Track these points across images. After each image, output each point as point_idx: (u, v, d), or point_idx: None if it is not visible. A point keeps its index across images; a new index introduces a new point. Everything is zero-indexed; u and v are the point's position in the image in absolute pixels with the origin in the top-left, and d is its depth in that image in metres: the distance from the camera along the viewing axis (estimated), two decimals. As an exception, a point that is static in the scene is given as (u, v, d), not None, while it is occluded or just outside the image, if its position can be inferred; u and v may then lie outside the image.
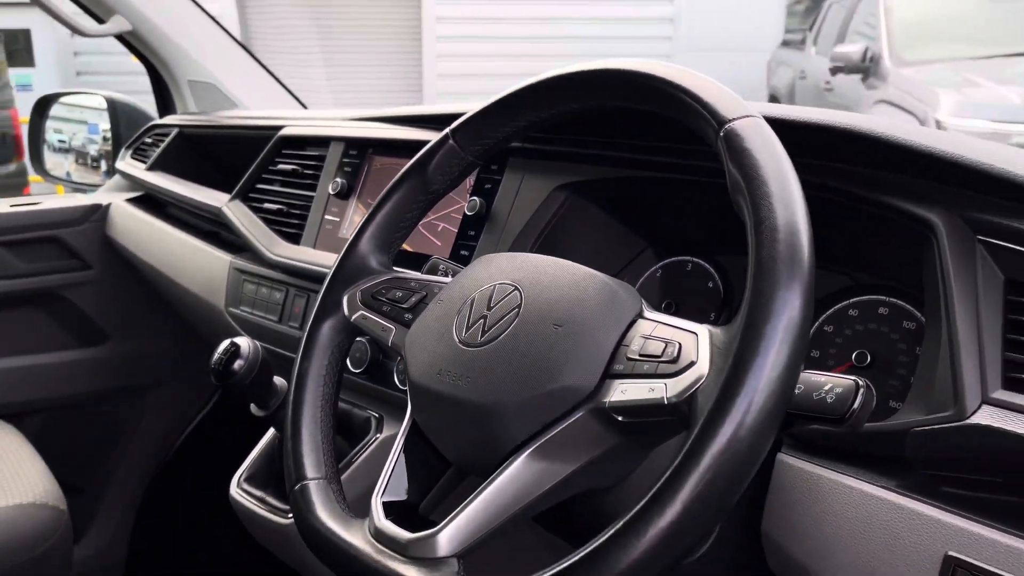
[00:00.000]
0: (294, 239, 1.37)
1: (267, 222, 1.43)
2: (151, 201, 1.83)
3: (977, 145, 0.74)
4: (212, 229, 1.62)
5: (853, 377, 0.59)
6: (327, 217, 1.33)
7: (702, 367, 0.60)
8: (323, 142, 1.39)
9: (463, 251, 1.12)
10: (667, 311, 1.05)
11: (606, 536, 0.56)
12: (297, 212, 1.40)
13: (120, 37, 1.89)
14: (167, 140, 1.82)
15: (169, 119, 1.91)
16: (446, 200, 1.15)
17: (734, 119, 0.64)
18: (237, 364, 0.95)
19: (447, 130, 0.84)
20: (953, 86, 4.65)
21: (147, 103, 2.08)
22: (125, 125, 2.01)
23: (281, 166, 1.46)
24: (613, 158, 1.04)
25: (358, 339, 1.12)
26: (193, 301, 1.59)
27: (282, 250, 1.35)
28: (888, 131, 0.76)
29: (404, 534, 0.67)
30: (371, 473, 1.06)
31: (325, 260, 1.26)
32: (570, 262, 0.73)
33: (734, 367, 0.55)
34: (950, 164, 0.72)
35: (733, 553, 0.82)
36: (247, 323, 1.39)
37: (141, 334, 1.92)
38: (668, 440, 0.72)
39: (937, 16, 5.42)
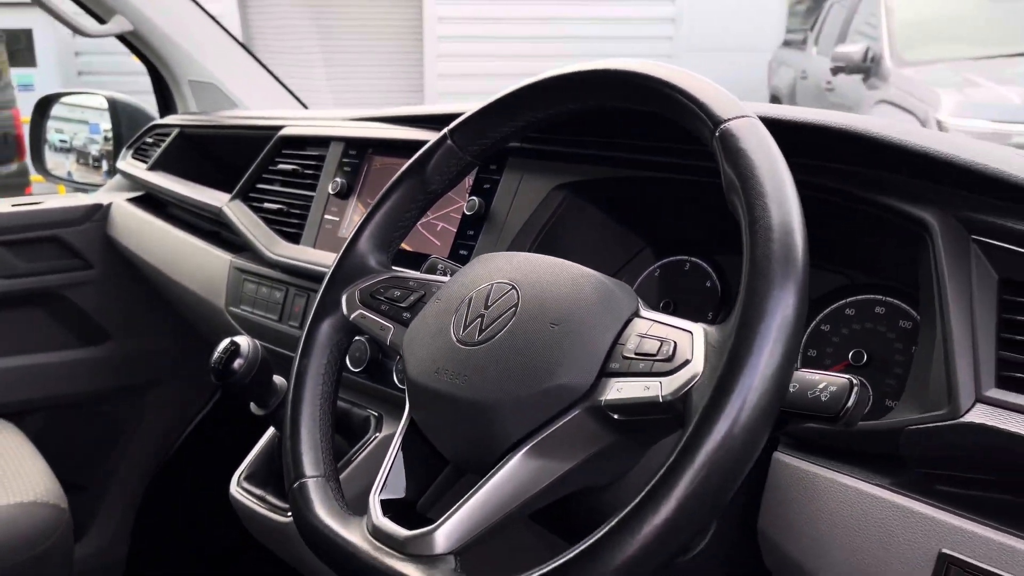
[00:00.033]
0: (294, 239, 1.38)
1: (267, 222, 1.44)
2: (152, 201, 1.83)
3: (971, 145, 0.74)
4: (212, 229, 1.63)
5: (847, 376, 0.60)
6: (327, 217, 1.33)
7: (697, 365, 0.60)
8: (323, 142, 1.40)
9: (462, 250, 1.13)
10: (665, 310, 1.06)
11: (601, 533, 0.57)
12: (297, 212, 1.40)
13: (121, 37, 1.89)
14: (168, 140, 1.83)
15: (170, 119, 1.91)
16: (445, 200, 1.16)
17: (729, 119, 0.64)
18: (237, 363, 0.96)
19: (445, 130, 0.85)
20: (954, 86, 4.65)
21: (148, 103, 2.08)
22: (126, 125, 2.01)
23: (281, 166, 1.46)
24: (612, 158, 1.04)
25: (358, 338, 1.13)
26: (193, 300, 1.60)
27: (282, 250, 1.36)
28: (883, 131, 0.76)
29: (401, 531, 0.67)
30: (370, 472, 1.07)
31: (325, 259, 1.27)
32: (567, 261, 0.74)
33: (728, 365, 0.56)
34: (944, 164, 0.73)
35: (729, 551, 0.82)
36: (247, 322, 1.40)
37: (142, 333, 1.93)
38: (665, 438, 0.72)
39: (938, 16, 5.43)
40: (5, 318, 1.81)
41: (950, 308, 0.69)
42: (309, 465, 0.79)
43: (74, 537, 1.42)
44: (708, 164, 0.92)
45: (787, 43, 7.59)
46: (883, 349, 0.89)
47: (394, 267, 0.88)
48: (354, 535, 0.70)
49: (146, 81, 2.03)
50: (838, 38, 6.10)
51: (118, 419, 1.95)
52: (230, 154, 1.76)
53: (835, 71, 5.60)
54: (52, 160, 2.14)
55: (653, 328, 0.66)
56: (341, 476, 1.05)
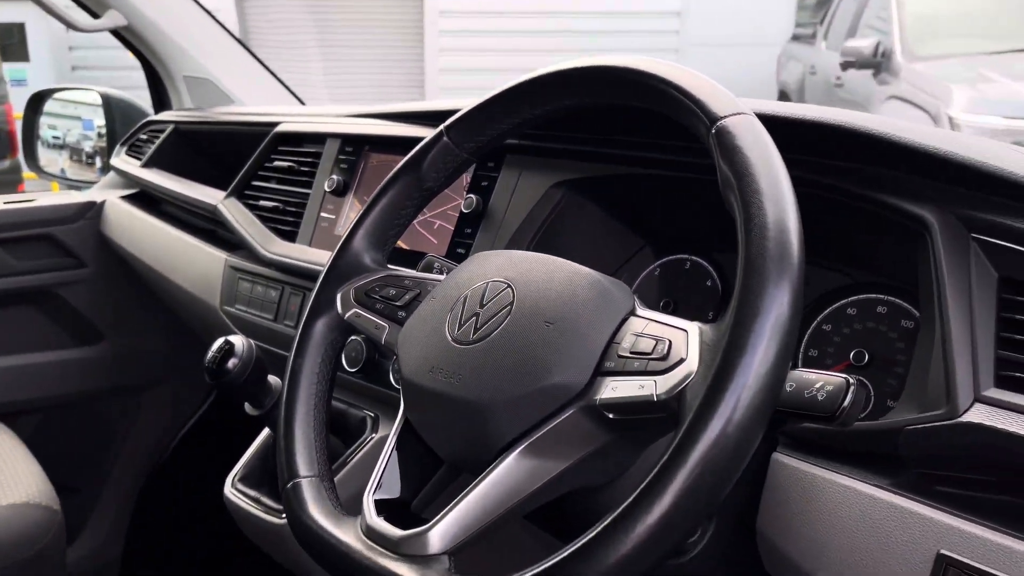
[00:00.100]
0: (290, 237, 1.39)
1: (263, 219, 1.45)
2: (146, 198, 1.84)
3: (971, 142, 0.75)
4: (207, 227, 1.64)
5: (844, 375, 0.61)
6: (323, 214, 1.35)
7: (691, 364, 0.61)
8: (319, 139, 1.41)
9: (459, 249, 1.14)
10: (665, 310, 1.07)
11: (594, 532, 0.58)
12: (293, 209, 1.41)
13: (115, 32, 1.91)
14: (162, 136, 1.84)
15: (164, 115, 1.93)
16: (442, 197, 1.17)
17: (726, 116, 0.65)
18: (231, 363, 0.97)
19: (441, 127, 0.86)
20: (966, 81, 4.65)
21: (142, 99, 2.10)
22: (120, 121, 2.02)
23: (277, 163, 1.48)
24: (611, 155, 1.05)
25: (354, 338, 1.14)
26: (188, 299, 1.61)
27: (278, 248, 1.37)
28: (881, 128, 0.77)
29: (395, 531, 0.68)
30: (366, 473, 1.08)
31: (321, 258, 1.28)
32: (563, 260, 0.75)
33: (722, 364, 0.57)
34: (943, 161, 0.74)
35: (727, 551, 0.83)
36: (242, 322, 1.41)
37: (136, 333, 1.94)
38: (661, 438, 0.73)
39: (950, 10, 5.43)
40: (-3, 317, 1.82)
41: (949, 307, 0.70)
42: (303, 465, 0.80)
43: (67, 539, 1.43)
44: (708, 161, 0.93)
45: (796, 37, 7.59)
46: (885, 349, 0.90)
47: (390, 265, 0.89)
48: (348, 535, 0.71)
49: (141, 76, 2.04)
50: (848, 32, 6.10)
51: (111, 420, 1.96)
52: (225, 151, 1.77)
53: (845, 66, 5.60)
54: (45, 157, 2.16)
55: (648, 327, 0.67)
56: (336, 477, 1.06)
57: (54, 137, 2.17)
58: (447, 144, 0.85)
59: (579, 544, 0.58)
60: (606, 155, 1.06)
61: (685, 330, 0.64)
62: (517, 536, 0.90)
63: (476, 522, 0.66)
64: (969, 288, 0.71)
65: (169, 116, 1.90)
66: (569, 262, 0.74)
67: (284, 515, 0.82)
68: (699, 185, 0.97)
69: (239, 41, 2.03)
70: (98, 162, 2.11)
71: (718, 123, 0.65)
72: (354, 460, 1.10)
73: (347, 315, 0.85)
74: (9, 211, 1.79)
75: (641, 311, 0.69)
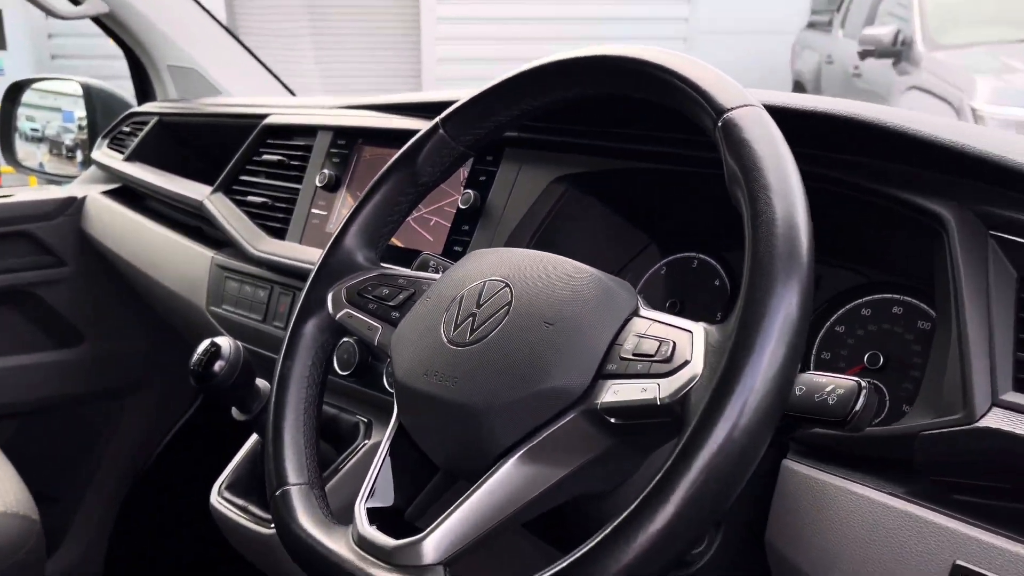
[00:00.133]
0: (279, 234, 1.39)
1: (251, 216, 1.46)
2: (129, 194, 1.85)
3: (990, 135, 0.76)
4: (193, 223, 1.65)
5: (855, 378, 0.61)
6: (314, 211, 1.35)
7: (696, 366, 0.62)
8: (310, 131, 1.42)
9: (456, 247, 1.14)
10: (671, 310, 1.08)
11: (594, 542, 0.58)
12: (282, 205, 1.42)
13: (96, 19, 1.91)
14: (146, 129, 1.84)
15: (148, 107, 1.93)
16: (439, 193, 1.17)
17: (733, 108, 0.66)
18: (218, 365, 0.98)
19: (437, 119, 0.86)
20: (991, 71, 4.66)
21: (125, 89, 2.10)
22: (102, 113, 2.03)
23: (266, 157, 1.48)
24: (615, 148, 1.06)
25: (346, 339, 1.14)
26: (173, 300, 1.62)
27: (266, 245, 1.38)
28: (895, 120, 0.78)
29: (389, 541, 0.69)
30: (358, 481, 1.07)
31: (312, 256, 1.29)
32: (564, 258, 0.75)
33: (728, 366, 0.57)
34: (960, 155, 0.74)
35: (736, 562, 0.84)
36: (230, 323, 1.42)
37: (118, 335, 1.94)
38: (666, 444, 0.74)
39: (974, -4, 5.43)
40: (-27, 318, 1.83)
41: (966, 307, 0.71)
42: (292, 472, 0.80)
43: (46, 550, 1.43)
44: (716, 155, 0.93)
45: (811, 25, 7.59)
46: (900, 351, 0.90)
47: (383, 264, 0.89)
48: (339, 545, 0.72)
49: (123, 65, 2.04)
50: (866, 20, 6.10)
51: (93, 425, 1.96)
52: (212, 144, 1.78)
53: (863, 55, 5.60)
54: (23, 150, 2.16)
55: (652, 328, 0.67)
56: (328, 485, 1.07)
57: (32, 129, 2.17)
58: (443, 137, 0.86)
59: (578, 554, 0.59)
60: (610, 148, 1.06)
61: (690, 331, 0.65)
62: (515, 546, 0.91)
63: (472, 531, 0.66)
64: (987, 288, 0.71)
65: (153, 108, 1.90)
66: (570, 260, 0.75)
67: (272, 524, 0.82)
68: (707, 180, 0.98)
69: (227, 29, 2.03)
70: (79, 156, 2.11)
71: (725, 115, 0.66)
72: (346, 467, 1.11)
73: (338, 316, 0.86)
74: (-15, 207, 1.80)
75: (645, 311, 0.70)
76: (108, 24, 1.92)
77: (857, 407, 0.60)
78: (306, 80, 7.82)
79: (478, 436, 0.69)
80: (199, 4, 1.99)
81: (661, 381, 0.63)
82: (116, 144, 1.92)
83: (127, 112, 1.95)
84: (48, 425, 1.92)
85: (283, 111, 1.51)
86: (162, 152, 1.83)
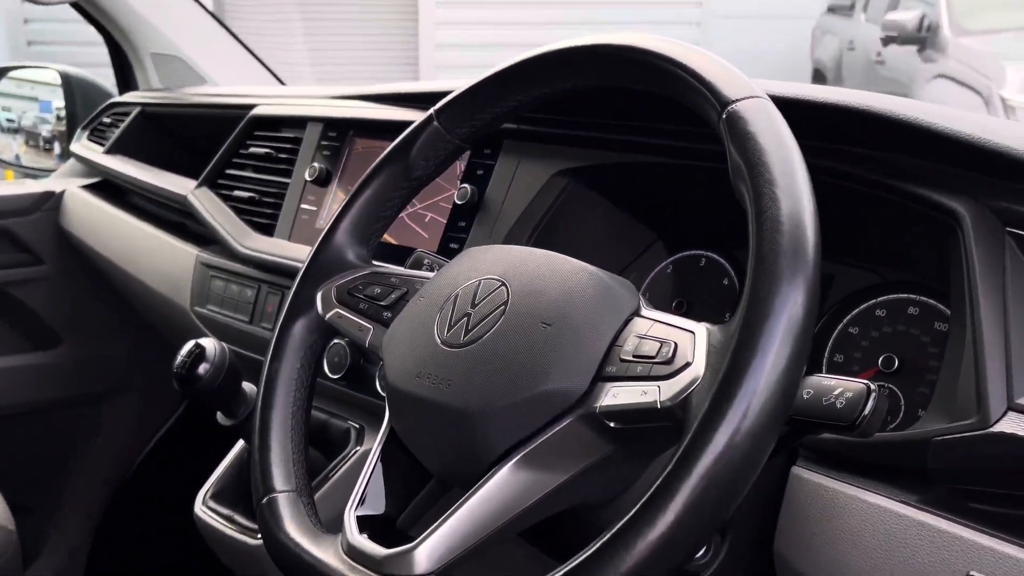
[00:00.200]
0: (267, 230, 1.41)
1: (237, 211, 1.47)
2: (110, 188, 1.86)
3: (1007, 128, 0.77)
4: (177, 219, 1.66)
5: (864, 381, 0.62)
6: (303, 206, 1.37)
7: (698, 368, 0.63)
8: (299, 123, 1.43)
9: (452, 244, 1.15)
10: (678, 310, 1.09)
11: (592, 550, 0.60)
12: (270, 200, 1.43)
13: (75, 4, 1.92)
14: (128, 120, 1.85)
15: (130, 96, 1.94)
16: (434, 188, 1.19)
17: (738, 100, 0.67)
18: (202, 368, 0.99)
19: (431, 111, 0.88)
20: (1021, 59, 4.66)
21: (106, 78, 2.11)
22: (81, 103, 2.04)
23: (253, 149, 1.49)
24: (619, 141, 1.07)
25: (337, 341, 1.16)
26: (156, 300, 1.63)
27: (254, 242, 1.39)
28: (907, 112, 0.79)
29: (379, 550, 0.70)
30: (349, 489, 1.09)
31: (301, 253, 1.30)
32: (563, 256, 0.76)
33: (730, 368, 0.58)
34: (975, 148, 0.75)
35: (743, 571, 0.85)
36: (215, 324, 1.43)
37: (98, 336, 1.95)
38: (669, 449, 0.75)
39: (1004, -22, 5.43)
40: (-54, 319, 1.84)
41: (981, 307, 0.72)
42: (279, 479, 0.81)
43: (23, 563, 1.45)
44: (723, 148, 0.95)
45: (832, 9, 7.59)
46: (916, 354, 0.92)
47: (375, 262, 0.91)
48: (327, 554, 0.73)
49: (104, 52, 2.05)
50: (889, 4, 6.10)
51: (71, 432, 1.97)
52: (197, 136, 1.79)
53: (886, 41, 5.61)
54: (-2, 142, 2.18)
55: (653, 328, 0.68)
56: (317, 494, 1.08)
57: (8, 120, 2.19)
58: (437, 129, 0.87)
59: (575, 562, 0.60)
60: (613, 141, 1.07)
61: (692, 332, 0.66)
62: (511, 555, 0.92)
63: (466, 540, 0.67)
64: (1003, 286, 0.72)
65: (135, 97, 1.91)
66: (569, 258, 0.76)
67: (259, 534, 0.83)
68: (715, 174, 0.99)
69: (213, 15, 2.04)
70: (57, 148, 2.12)
71: (729, 107, 0.67)
72: (336, 475, 1.12)
73: (328, 316, 0.87)
74: (-42, 202, 1.81)
75: (646, 311, 0.71)
76: (87, 9, 1.93)
77: (866, 411, 0.61)
78: (296, 68, 7.82)
79: (472, 441, 0.70)
80: (184, -12, 2.00)
81: (662, 384, 0.64)
82: (96, 136, 1.93)
83: (108, 102, 1.96)
84: (24, 432, 1.92)
85: (272, 101, 1.52)
86: (144, 144, 1.84)
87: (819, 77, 7.17)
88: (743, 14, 8.22)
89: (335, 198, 1.34)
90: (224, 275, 1.43)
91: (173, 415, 1.99)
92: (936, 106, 0.80)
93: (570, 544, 0.76)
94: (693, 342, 0.65)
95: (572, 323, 0.70)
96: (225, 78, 1.99)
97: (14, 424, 1.91)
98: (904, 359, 0.92)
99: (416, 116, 0.90)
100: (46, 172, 2.08)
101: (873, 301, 0.95)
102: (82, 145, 1.92)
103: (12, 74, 2.15)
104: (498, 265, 0.77)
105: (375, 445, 0.79)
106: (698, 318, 0.69)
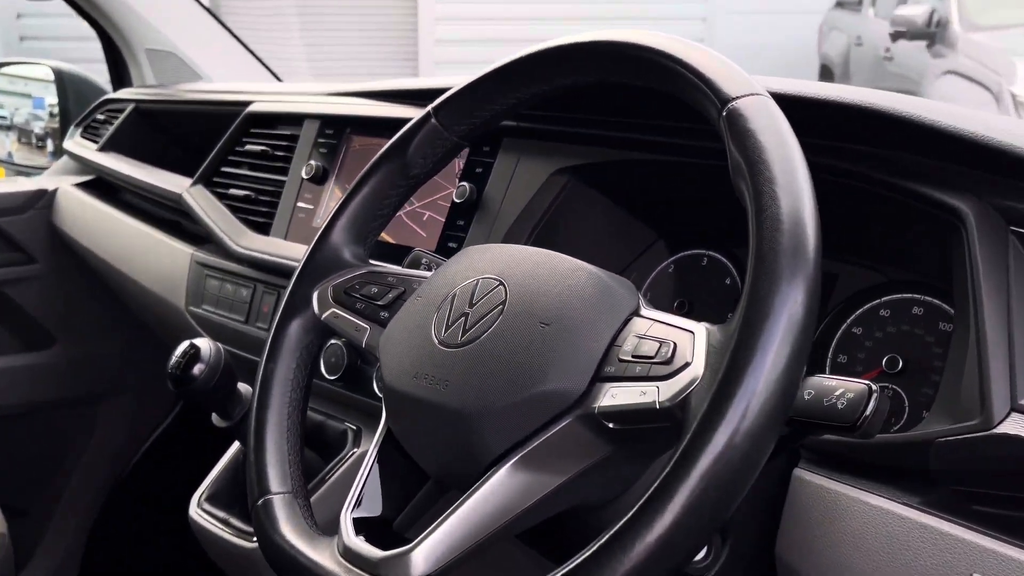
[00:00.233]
0: (263, 229, 1.41)
1: (233, 210, 1.47)
2: (103, 186, 1.86)
3: (1011, 126, 0.78)
4: (172, 218, 1.66)
5: (866, 381, 0.63)
6: (300, 204, 1.37)
7: (697, 368, 0.64)
8: (296, 120, 1.44)
9: (451, 243, 1.16)
10: (680, 310, 1.09)
11: (590, 551, 0.60)
12: (267, 199, 1.44)
13: (69, 0, 1.93)
14: (121, 117, 1.86)
15: (124, 93, 1.95)
16: (432, 186, 1.19)
17: (738, 97, 0.68)
18: (197, 368, 0.99)
19: (429, 108, 0.88)
20: (1033, 55, 4.66)
21: (99, 74, 2.12)
22: (74, 99, 2.05)
23: (249, 147, 1.50)
24: (620, 139, 1.07)
25: (334, 341, 1.16)
26: (150, 299, 1.64)
27: (249, 241, 1.39)
28: (910, 109, 0.79)
29: (375, 552, 0.70)
30: (345, 491, 1.09)
31: (297, 253, 1.30)
32: (561, 255, 0.77)
33: (729, 368, 0.59)
34: (978, 146, 0.76)
35: (745, 574, 0.85)
36: (210, 324, 1.43)
37: (92, 336, 1.96)
38: (669, 451, 0.76)
39: (1015, -27, 5.43)
40: (-64, 319, 1.84)
41: (984, 306, 0.72)
42: (275, 480, 0.82)
43: (15, 567, 1.45)
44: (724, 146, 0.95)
45: (840, 4, 7.59)
46: (921, 354, 0.92)
47: (372, 261, 0.91)
48: (323, 556, 0.74)
49: (98, 47, 2.06)
50: (898, -2, 6.10)
51: (65, 433, 1.97)
52: (192, 133, 1.79)
53: (895, 37, 5.61)
54: (-10, 139, 2.18)
55: (653, 328, 0.69)
56: (313, 497, 1.09)
57: (0, 117, 2.19)
58: (435, 127, 0.88)
59: (572, 564, 0.61)
60: (614, 139, 1.08)
61: (692, 331, 0.67)
62: (509, 558, 0.93)
63: (463, 542, 0.68)
64: (1007, 286, 0.73)
65: (129, 94, 1.92)
66: (568, 257, 0.76)
67: (255, 537, 0.84)
68: (716, 172, 0.99)
69: (208, 10, 2.05)
70: (50, 145, 2.13)
71: (729, 104, 0.68)
72: (333, 477, 1.13)
73: (324, 315, 0.88)
74: (-51, 200, 1.81)
75: (646, 311, 0.72)
76: (81, 4, 1.94)
77: (867, 412, 0.62)
78: (293, 64, 7.83)
79: (469, 442, 0.71)
80: (179, -17, 2.00)
81: (661, 384, 0.65)
82: (89, 133, 1.94)
83: (101, 99, 1.97)
84: (17, 433, 1.93)
85: (268, 98, 1.53)
86: (139, 142, 1.84)
87: (826, 73, 7.17)
88: (749, 9, 8.22)
89: (332, 196, 1.34)
90: (219, 274, 1.44)
91: (168, 416, 2.00)
92: (939, 103, 0.81)
93: (569, 546, 0.76)
94: (692, 342, 0.66)
95: (570, 323, 0.70)
96: (221, 74, 2.00)
97: (7, 425, 1.91)
98: (908, 360, 0.92)
99: (414, 113, 0.90)
100: (39, 170, 2.09)
101: (877, 301, 0.96)
102: (75, 142, 1.93)
103: (4, 70, 2.16)
104: (496, 264, 0.78)
105: (372, 446, 0.80)
106: (700, 318, 0.70)
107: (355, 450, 1.15)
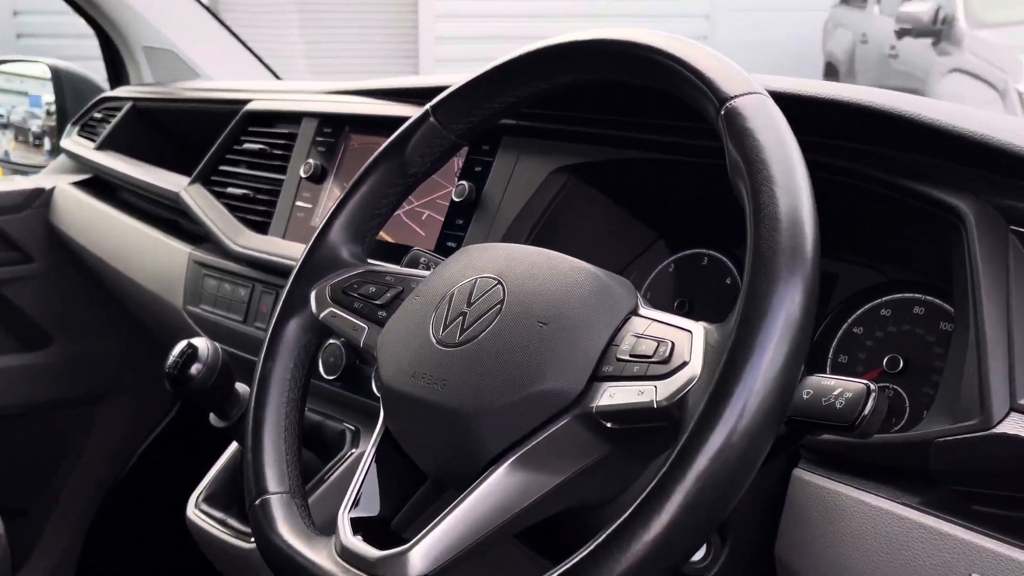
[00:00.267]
0: (261, 228, 1.42)
1: (231, 209, 1.48)
2: (100, 185, 1.87)
3: (1011, 125, 0.78)
4: (169, 217, 1.67)
5: (864, 381, 0.64)
6: (298, 203, 1.38)
7: (695, 367, 0.64)
8: (295, 118, 1.44)
9: (450, 242, 1.17)
10: (680, 310, 1.10)
11: (586, 551, 0.61)
12: (265, 197, 1.44)
13: (66, -4, 1.94)
14: (119, 115, 1.87)
15: (121, 91, 1.96)
16: (431, 185, 1.19)
17: (736, 96, 0.68)
18: (194, 368, 1.00)
19: (427, 106, 0.89)
20: (1040, 52, 4.66)
21: (97, 72, 2.12)
22: (72, 97, 2.05)
23: (247, 145, 1.51)
24: (620, 137, 1.08)
25: (332, 341, 1.17)
26: (148, 299, 1.64)
27: (247, 241, 1.40)
28: (909, 108, 0.80)
29: (373, 552, 0.71)
30: (343, 492, 1.10)
31: (295, 252, 1.30)
32: (560, 254, 0.78)
33: (727, 367, 0.59)
34: (978, 145, 0.77)
35: (744, 575, 0.86)
36: (208, 323, 1.44)
37: (89, 336, 1.96)
38: (667, 451, 0.76)
39: (1021, -31, 5.43)
40: (-68, 318, 1.85)
41: (984, 306, 0.73)
42: (272, 480, 0.83)
43: (12, 568, 1.46)
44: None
45: (845, 1, 7.60)
46: (922, 355, 0.93)
47: (370, 260, 0.92)
48: (320, 556, 0.74)
49: (95, 45, 2.06)
50: (904, -5, 6.10)
51: (63, 434, 1.98)
52: (190, 131, 1.80)
53: (900, 34, 5.61)
54: (-14, 138, 2.19)
55: (651, 327, 0.69)
56: (311, 497, 1.09)
57: (-3, 115, 2.20)
58: (433, 125, 0.88)
59: (569, 564, 0.61)
60: (614, 137, 1.08)
61: (689, 331, 0.67)
62: (507, 558, 0.93)
63: (461, 542, 0.68)
64: (1007, 285, 0.73)
65: (127, 92, 1.93)
66: (566, 256, 0.77)
67: (252, 537, 0.84)
68: (716, 171, 0.99)
69: (206, 7, 2.05)
70: (47, 144, 2.14)
71: (728, 103, 0.68)
72: (331, 478, 1.13)
73: (322, 315, 0.88)
74: (-54, 199, 1.82)
75: (644, 310, 0.72)
76: (78, 1, 1.94)
77: (866, 411, 0.62)
78: (293, 62, 7.83)
79: (467, 441, 0.71)
80: (176, -20, 2.01)
81: (658, 383, 0.65)
82: (87, 131, 1.94)
83: (99, 97, 1.97)
84: (14, 433, 1.93)
85: (266, 96, 1.54)
86: (136, 140, 1.85)
87: (831, 71, 7.17)
88: (753, 6, 8.22)
89: (330, 195, 1.35)
90: (217, 274, 1.45)
91: (166, 416, 2.00)
92: (938, 102, 0.82)
93: (568, 546, 0.77)
94: (690, 341, 0.66)
95: (568, 322, 0.71)
96: (219, 72, 2.00)
97: (4, 426, 1.92)
98: (909, 360, 0.93)
99: (413, 112, 0.91)
100: (36, 168, 2.09)
101: (878, 301, 0.96)
102: (72, 141, 1.94)
103: (1, 68, 2.17)
104: (494, 263, 0.78)
105: (369, 446, 0.80)
106: (700, 318, 0.70)
107: (353, 451, 1.16)
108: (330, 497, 1.11)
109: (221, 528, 1.19)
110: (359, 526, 0.75)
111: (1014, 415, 0.70)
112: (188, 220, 1.57)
